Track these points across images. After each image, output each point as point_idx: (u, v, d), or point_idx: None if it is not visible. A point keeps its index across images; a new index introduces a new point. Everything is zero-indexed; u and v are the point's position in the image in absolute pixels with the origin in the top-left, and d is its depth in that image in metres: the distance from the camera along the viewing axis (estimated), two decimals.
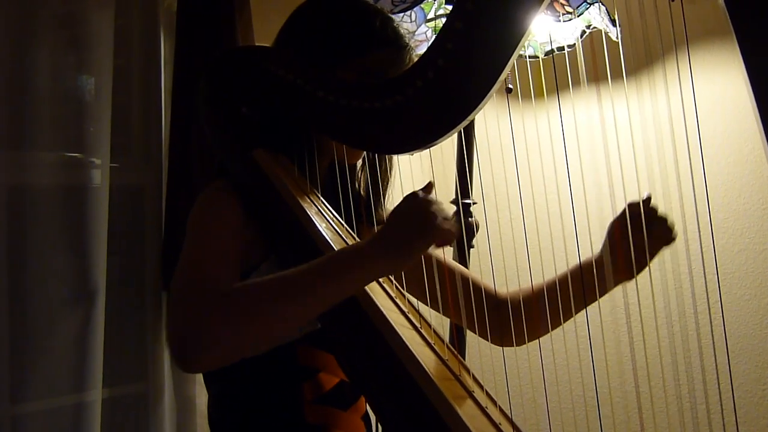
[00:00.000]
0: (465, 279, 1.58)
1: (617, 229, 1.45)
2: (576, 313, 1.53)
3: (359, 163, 1.57)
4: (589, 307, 1.49)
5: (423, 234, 1.20)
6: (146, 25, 2.33)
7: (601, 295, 1.48)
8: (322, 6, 1.55)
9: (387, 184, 1.59)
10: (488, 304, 1.56)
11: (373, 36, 1.49)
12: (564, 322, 1.54)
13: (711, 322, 1.57)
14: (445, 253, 1.46)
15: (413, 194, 1.24)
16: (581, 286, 1.49)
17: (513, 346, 1.57)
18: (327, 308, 1.22)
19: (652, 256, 1.44)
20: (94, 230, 2.07)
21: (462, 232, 2.08)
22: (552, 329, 1.55)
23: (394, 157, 1.58)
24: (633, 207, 1.43)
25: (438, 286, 1.48)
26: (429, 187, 1.27)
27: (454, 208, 2.11)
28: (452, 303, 1.55)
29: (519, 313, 1.55)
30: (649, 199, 1.43)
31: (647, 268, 1.44)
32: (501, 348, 1.59)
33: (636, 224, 1.40)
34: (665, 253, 1.46)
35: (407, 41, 1.52)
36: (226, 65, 1.48)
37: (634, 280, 1.43)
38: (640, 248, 1.41)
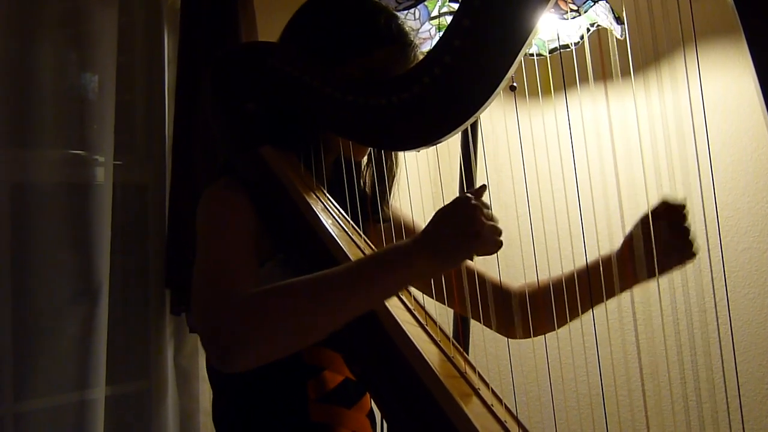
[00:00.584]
0: (470, 269, 1.58)
1: (646, 230, 1.41)
2: (583, 312, 1.52)
3: (364, 160, 1.57)
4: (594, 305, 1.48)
5: (470, 240, 1.15)
6: (150, 22, 2.34)
7: (608, 297, 1.47)
8: (327, 4, 1.55)
9: (392, 180, 1.58)
10: (494, 293, 1.55)
11: (378, 34, 1.49)
12: (570, 320, 1.54)
13: (717, 320, 1.56)
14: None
15: (464, 197, 1.18)
16: (588, 288, 1.48)
17: (517, 338, 1.57)
18: (367, 310, 1.21)
19: (667, 269, 1.44)
20: (98, 228, 2.07)
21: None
22: (558, 327, 1.54)
23: (400, 153, 1.58)
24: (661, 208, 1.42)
25: (443, 277, 1.48)
26: (481, 189, 1.22)
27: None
28: (457, 292, 1.54)
29: (525, 308, 1.54)
30: (684, 206, 1.42)
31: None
32: (506, 346, 1.58)
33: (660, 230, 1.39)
34: None
35: (412, 39, 1.51)
36: (232, 61, 1.48)
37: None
38: (660, 255, 1.40)
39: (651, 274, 1.41)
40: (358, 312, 1.20)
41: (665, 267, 1.43)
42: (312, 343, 1.26)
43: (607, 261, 1.48)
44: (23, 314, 1.98)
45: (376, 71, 1.45)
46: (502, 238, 1.19)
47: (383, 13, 1.53)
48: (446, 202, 1.20)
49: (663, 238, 1.39)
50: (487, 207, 1.18)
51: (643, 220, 1.42)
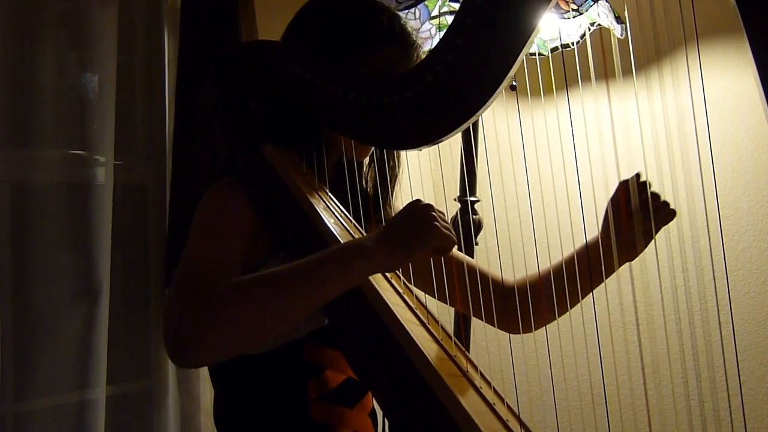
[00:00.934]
0: (471, 268, 1.59)
1: (615, 208, 1.49)
2: (583, 296, 1.54)
3: (366, 159, 1.57)
4: (596, 304, 1.48)
5: (422, 236, 1.23)
6: (150, 22, 2.33)
7: (607, 275, 1.49)
8: (329, 3, 1.55)
9: (395, 180, 1.59)
10: (495, 290, 1.56)
11: (380, 33, 1.49)
12: (571, 307, 1.55)
13: (719, 319, 1.57)
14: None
15: (417, 200, 1.28)
16: (587, 267, 1.50)
17: (520, 333, 1.58)
18: (324, 302, 1.23)
19: (653, 233, 1.46)
20: (98, 228, 2.07)
21: (470, 228, 2.09)
22: (559, 315, 1.55)
23: (402, 153, 1.58)
24: (625, 185, 1.47)
25: (444, 275, 1.48)
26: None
27: (457, 207, 2.11)
28: (459, 290, 1.55)
29: (526, 298, 1.56)
30: (639, 176, 1.46)
31: (653, 247, 1.45)
32: (508, 345, 1.59)
33: (633, 203, 1.44)
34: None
35: (414, 38, 1.52)
36: (233, 61, 1.48)
37: (639, 278, 1.44)
38: (640, 225, 1.44)
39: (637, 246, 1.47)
40: (320, 303, 1.23)
41: (648, 232, 1.47)
42: (277, 335, 1.26)
43: (594, 242, 1.54)
44: (23, 314, 1.98)
45: (378, 71, 1.45)
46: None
47: (386, 12, 1.53)
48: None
49: (636, 211, 1.45)
50: (437, 209, 1.27)
51: (613, 200, 1.49)
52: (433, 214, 1.25)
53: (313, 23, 1.53)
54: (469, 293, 1.53)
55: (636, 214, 1.45)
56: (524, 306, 1.56)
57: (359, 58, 1.46)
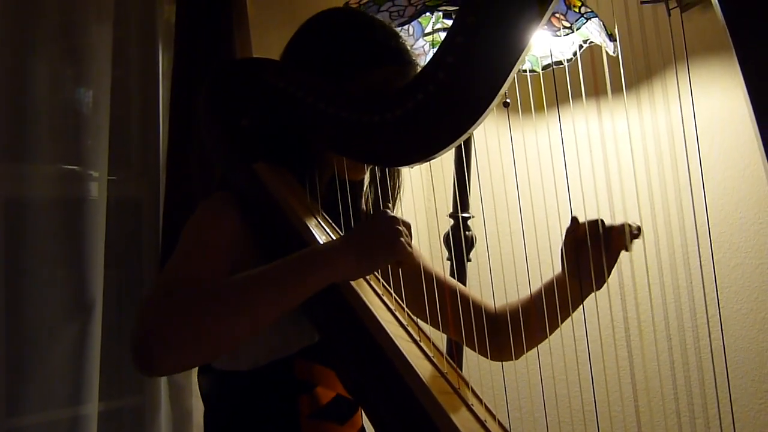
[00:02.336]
0: (464, 298, 1.59)
1: (569, 250, 1.47)
2: (551, 331, 1.53)
3: (366, 179, 1.57)
4: (588, 322, 1.49)
5: (387, 250, 1.27)
6: (144, 37, 2.34)
7: (573, 310, 1.49)
8: (328, 22, 1.55)
9: (396, 200, 1.59)
10: (487, 323, 1.56)
11: (378, 52, 1.49)
12: (549, 335, 1.55)
13: (710, 336, 1.57)
14: (444, 270, 1.47)
15: (384, 211, 1.32)
16: (554, 304, 1.50)
17: (512, 360, 1.58)
18: (291, 306, 1.24)
19: (610, 267, 1.45)
20: (92, 243, 2.06)
21: (461, 245, 2.10)
22: (537, 344, 1.56)
23: (403, 172, 1.58)
24: (579, 227, 1.46)
25: (438, 305, 1.49)
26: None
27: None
28: (452, 322, 1.55)
29: (513, 327, 1.56)
30: (595, 221, 1.45)
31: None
32: (500, 362, 1.59)
33: (589, 240, 1.43)
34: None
35: (412, 57, 1.52)
36: (226, 77, 1.48)
37: (630, 295, 1.44)
38: (598, 263, 1.43)
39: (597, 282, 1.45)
40: (286, 307, 1.23)
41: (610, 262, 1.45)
42: (242, 338, 1.26)
43: (558, 279, 1.53)
44: (16, 329, 1.97)
45: (376, 89, 1.45)
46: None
47: (385, 30, 1.53)
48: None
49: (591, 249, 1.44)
50: (404, 222, 1.31)
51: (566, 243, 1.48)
52: (399, 228, 1.28)
53: (312, 41, 1.53)
54: (462, 325, 1.54)
55: (587, 250, 1.44)
56: (514, 336, 1.56)
57: (358, 76, 1.46)
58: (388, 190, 1.56)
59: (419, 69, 1.50)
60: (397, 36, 1.53)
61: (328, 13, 1.57)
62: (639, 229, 1.44)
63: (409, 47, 1.53)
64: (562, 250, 1.48)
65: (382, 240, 1.27)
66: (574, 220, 1.46)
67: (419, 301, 1.48)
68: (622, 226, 1.42)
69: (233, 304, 1.18)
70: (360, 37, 1.51)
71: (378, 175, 1.56)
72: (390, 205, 1.40)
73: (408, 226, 1.32)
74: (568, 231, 1.47)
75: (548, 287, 1.53)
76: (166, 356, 1.14)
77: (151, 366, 1.18)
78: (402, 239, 1.27)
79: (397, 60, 1.49)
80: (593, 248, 1.43)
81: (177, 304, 1.17)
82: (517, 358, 1.58)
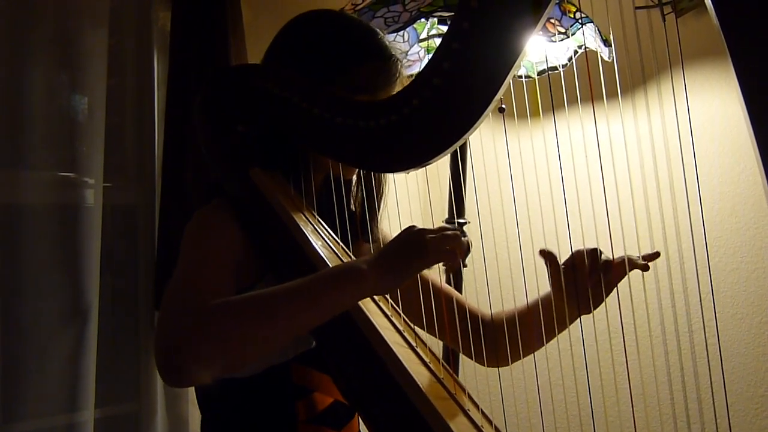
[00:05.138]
0: (459, 305, 1.58)
1: (567, 274, 1.46)
2: (554, 336, 1.53)
3: (354, 179, 1.57)
4: (584, 327, 1.49)
5: (414, 259, 1.23)
6: (140, 44, 2.34)
7: (570, 323, 1.49)
8: (310, 23, 1.55)
9: (381, 198, 1.59)
10: (481, 330, 1.56)
11: (361, 50, 1.50)
12: (546, 343, 1.55)
13: (706, 341, 1.57)
14: (441, 278, 1.46)
15: (411, 226, 1.28)
16: (551, 318, 1.49)
17: (508, 365, 1.58)
18: (316, 324, 1.22)
19: (607, 293, 1.44)
20: (87, 250, 2.06)
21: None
22: (533, 351, 1.56)
23: (398, 176, 1.58)
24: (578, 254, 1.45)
25: (435, 313, 1.49)
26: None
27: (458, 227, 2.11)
28: (449, 330, 1.55)
29: (509, 335, 1.55)
30: (594, 251, 1.44)
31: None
32: (496, 368, 1.59)
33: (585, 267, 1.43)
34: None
35: (393, 52, 1.52)
36: (221, 83, 1.48)
37: (626, 301, 1.44)
38: (595, 289, 1.42)
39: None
40: (312, 324, 1.22)
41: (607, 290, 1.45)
42: (270, 355, 1.25)
43: (547, 300, 1.52)
44: (12, 336, 1.97)
45: (361, 87, 1.46)
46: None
47: (364, 29, 1.55)
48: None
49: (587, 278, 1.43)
50: (434, 230, 1.26)
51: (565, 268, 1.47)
52: (427, 237, 1.23)
53: (295, 43, 1.53)
54: (459, 334, 1.54)
55: (586, 278, 1.44)
56: (500, 342, 1.55)
57: (342, 76, 1.46)
58: (373, 190, 1.57)
59: (410, 75, 1.51)
60: (375, 33, 1.55)
61: (305, 16, 1.57)
62: (647, 261, 1.45)
63: (389, 43, 1.54)
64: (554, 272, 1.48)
65: (407, 252, 1.23)
66: (576, 256, 1.45)
67: (415, 308, 1.48)
68: (622, 260, 1.42)
69: (260, 316, 1.17)
70: (341, 37, 1.52)
71: (362, 173, 1.56)
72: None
73: (444, 230, 1.27)
74: (567, 261, 1.46)
75: (546, 302, 1.53)
76: (199, 369, 1.14)
77: (182, 380, 1.18)
78: (432, 244, 1.23)
79: (378, 56, 1.50)
80: (590, 279, 1.43)
81: (207, 316, 1.16)
82: (511, 363, 1.57)
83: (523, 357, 1.57)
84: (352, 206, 1.58)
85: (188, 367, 1.12)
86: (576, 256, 1.44)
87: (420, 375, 1.23)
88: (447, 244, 1.24)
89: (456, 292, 1.70)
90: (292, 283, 1.21)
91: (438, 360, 1.34)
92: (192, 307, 1.18)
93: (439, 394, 1.24)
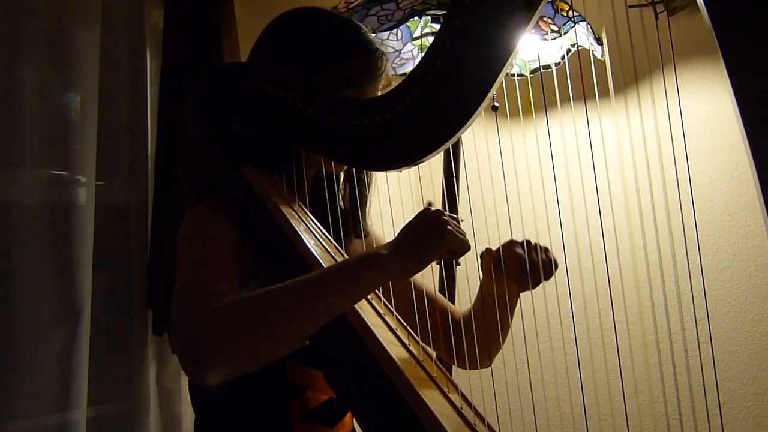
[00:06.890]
0: (443, 311, 1.59)
1: (494, 260, 1.50)
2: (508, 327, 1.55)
3: (342, 175, 1.58)
4: (576, 324, 1.49)
5: (433, 240, 1.23)
6: (132, 42, 2.34)
7: (512, 312, 1.52)
8: (293, 21, 1.55)
9: (369, 193, 1.59)
10: (454, 333, 1.57)
11: (346, 45, 1.50)
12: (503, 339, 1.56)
13: (698, 339, 1.57)
14: (433, 274, 1.46)
15: (427, 207, 1.28)
16: (494, 314, 1.50)
17: (489, 366, 1.58)
18: (338, 313, 1.22)
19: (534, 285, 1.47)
20: (80, 248, 2.06)
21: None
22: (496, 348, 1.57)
23: (391, 174, 1.59)
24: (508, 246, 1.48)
25: (429, 320, 1.49)
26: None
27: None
28: (443, 338, 1.55)
29: (467, 333, 1.56)
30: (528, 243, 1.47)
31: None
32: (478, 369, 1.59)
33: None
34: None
35: (378, 46, 1.52)
36: (214, 81, 1.48)
37: (618, 298, 1.44)
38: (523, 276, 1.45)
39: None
40: (330, 316, 1.21)
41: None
42: (288, 350, 1.26)
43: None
44: (3, 334, 1.97)
45: (347, 82, 1.46)
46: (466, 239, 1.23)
47: (348, 24, 1.56)
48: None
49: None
50: (448, 214, 1.27)
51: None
52: (444, 218, 1.24)
53: (281, 40, 1.53)
54: (441, 336, 1.54)
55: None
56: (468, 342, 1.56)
57: (328, 71, 1.46)
58: (359, 186, 1.58)
59: (402, 73, 1.51)
60: (359, 27, 1.55)
61: (291, 13, 1.57)
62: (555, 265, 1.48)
63: (374, 37, 1.55)
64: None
65: (427, 233, 1.23)
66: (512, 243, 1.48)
67: (410, 320, 1.48)
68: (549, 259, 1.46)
69: (282, 309, 1.17)
70: (326, 33, 1.52)
71: (349, 169, 1.57)
72: (432, 204, 1.36)
73: (456, 219, 1.29)
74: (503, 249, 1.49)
75: (485, 287, 1.55)
76: (224, 366, 1.15)
77: (207, 378, 1.17)
78: (449, 227, 1.24)
79: (364, 50, 1.50)
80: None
81: (227, 313, 1.16)
82: (483, 367, 1.57)
83: (493, 351, 1.57)
84: (341, 202, 1.59)
85: (217, 363, 1.13)
86: (504, 248, 1.48)
87: (412, 373, 1.23)
88: (460, 230, 1.25)
89: (440, 295, 1.70)
90: (311, 275, 1.21)
91: (431, 358, 1.34)
92: (212, 308, 1.18)
93: (431, 392, 1.24)
